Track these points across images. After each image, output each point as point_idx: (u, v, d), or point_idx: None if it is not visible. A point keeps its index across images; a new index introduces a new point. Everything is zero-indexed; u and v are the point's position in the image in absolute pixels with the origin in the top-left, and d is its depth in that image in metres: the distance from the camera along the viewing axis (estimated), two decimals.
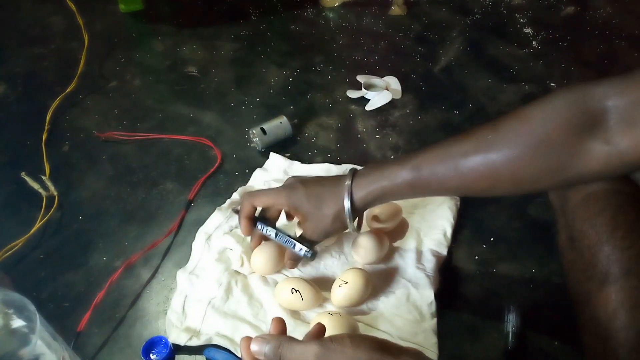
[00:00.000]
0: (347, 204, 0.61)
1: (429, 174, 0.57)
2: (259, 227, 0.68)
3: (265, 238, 0.71)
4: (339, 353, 0.40)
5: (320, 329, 0.49)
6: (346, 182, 0.61)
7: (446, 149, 0.57)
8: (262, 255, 0.71)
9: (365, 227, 0.76)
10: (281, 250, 0.71)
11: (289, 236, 0.67)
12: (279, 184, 0.84)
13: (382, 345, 0.40)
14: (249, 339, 0.45)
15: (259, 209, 0.69)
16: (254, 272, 0.74)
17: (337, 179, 0.64)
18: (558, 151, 0.50)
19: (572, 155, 0.50)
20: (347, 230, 0.66)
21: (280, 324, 0.49)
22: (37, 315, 0.49)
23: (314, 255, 0.66)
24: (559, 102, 0.51)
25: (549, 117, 0.50)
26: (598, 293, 0.56)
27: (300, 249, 0.66)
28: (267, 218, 0.69)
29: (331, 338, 0.41)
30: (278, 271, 0.73)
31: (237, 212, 0.70)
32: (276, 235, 0.67)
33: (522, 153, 0.52)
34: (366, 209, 0.64)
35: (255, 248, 0.72)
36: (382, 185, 0.59)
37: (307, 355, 0.41)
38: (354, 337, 0.41)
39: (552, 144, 0.50)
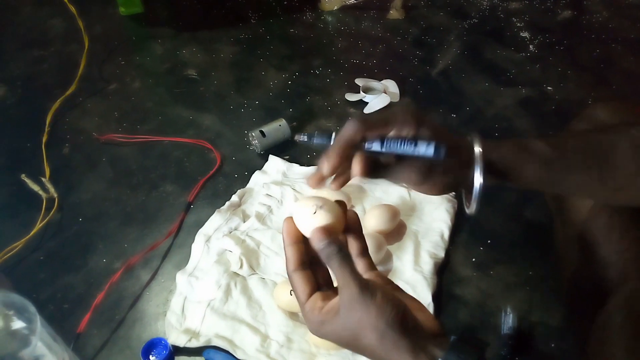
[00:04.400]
0: (477, 149, 0.45)
1: (570, 155, 0.48)
2: (368, 144, 0.44)
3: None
4: (364, 311, 0.37)
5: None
6: (477, 143, 0.46)
7: (591, 136, 0.50)
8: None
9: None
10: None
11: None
12: (278, 187, 0.86)
13: (404, 326, 0.38)
14: (291, 221, 0.42)
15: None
16: (253, 274, 0.74)
17: (464, 137, 0.48)
18: None
19: None
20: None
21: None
22: (38, 317, 0.49)
23: (446, 153, 0.43)
24: None
25: None
26: (595, 293, 0.57)
27: (426, 145, 0.43)
28: None
29: (370, 287, 0.39)
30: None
31: (322, 137, 0.46)
32: (391, 143, 0.43)
33: None
34: (495, 170, 0.48)
35: (330, 174, 0.45)
36: (518, 154, 0.47)
37: (346, 287, 0.39)
38: (383, 301, 0.38)
39: None
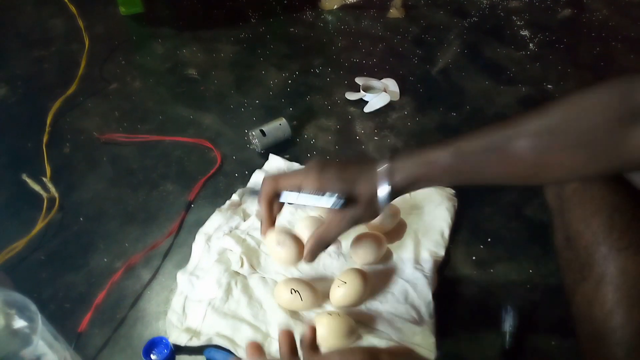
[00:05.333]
0: (385, 187, 0.55)
1: (472, 160, 0.54)
2: (283, 196, 0.57)
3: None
4: (336, 356, 0.40)
5: (312, 331, 0.49)
6: (383, 165, 0.56)
7: (489, 135, 0.54)
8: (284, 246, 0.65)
9: (363, 228, 0.77)
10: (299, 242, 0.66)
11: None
12: None
13: (372, 356, 0.40)
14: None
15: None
16: (253, 273, 0.74)
17: (369, 162, 0.58)
18: (604, 140, 0.50)
19: (617, 144, 0.49)
20: (376, 219, 0.60)
21: (257, 348, 0.49)
22: (39, 316, 0.49)
23: (345, 204, 0.55)
24: (606, 91, 0.51)
25: (595, 106, 0.50)
26: (594, 293, 0.57)
27: (329, 198, 0.54)
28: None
29: (320, 358, 0.41)
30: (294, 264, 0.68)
31: (251, 192, 0.64)
32: (299, 196, 0.56)
33: (568, 140, 0.51)
34: (402, 194, 0.58)
35: (267, 231, 0.61)
36: (421, 169, 0.55)
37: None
38: (343, 353, 0.41)
39: (599, 132, 0.50)
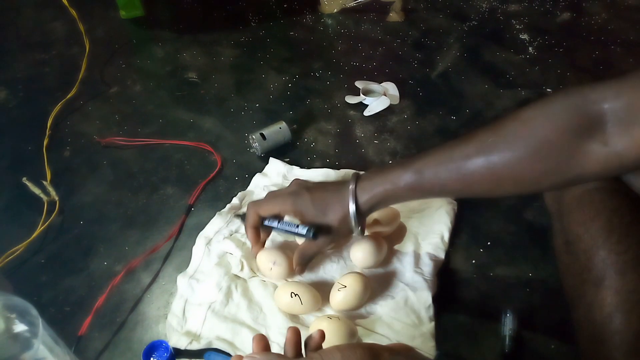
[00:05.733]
0: (352, 207, 0.62)
1: (432, 177, 0.57)
2: (265, 222, 0.69)
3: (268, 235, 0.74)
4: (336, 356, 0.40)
5: (321, 336, 0.50)
6: (350, 186, 0.62)
7: (447, 152, 0.57)
8: (266, 260, 0.73)
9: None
10: (289, 256, 0.72)
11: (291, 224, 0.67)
12: (279, 189, 0.86)
13: (373, 352, 0.41)
14: (239, 358, 0.45)
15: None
16: (253, 276, 0.74)
17: (340, 184, 0.64)
18: (557, 153, 0.51)
19: (571, 157, 0.51)
20: (353, 234, 0.67)
21: (262, 341, 0.49)
22: (40, 320, 0.49)
23: (315, 235, 0.64)
24: (557, 105, 0.52)
25: (548, 120, 0.51)
26: (594, 296, 0.57)
27: (302, 229, 0.65)
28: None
29: (321, 353, 0.42)
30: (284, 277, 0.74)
31: (239, 217, 0.72)
32: (278, 223, 0.68)
33: (522, 155, 0.52)
34: (371, 212, 0.64)
35: (257, 253, 0.73)
36: (386, 188, 0.60)
37: None
38: (344, 350, 0.41)
39: (552, 146, 0.51)
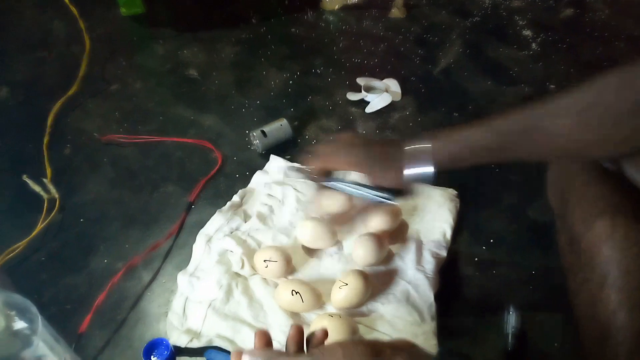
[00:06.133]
0: (429, 169, 0.58)
1: (512, 139, 0.55)
2: (332, 184, 0.63)
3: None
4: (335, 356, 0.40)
5: (324, 334, 0.49)
6: (425, 145, 0.58)
7: (526, 113, 0.55)
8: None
9: (365, 229, 0.77)
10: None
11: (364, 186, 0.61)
12: (280, 186, 0.86)
13: (375, 349, 0.40)
14: (239, 354, 0.45)
15: None
16: (254, 274, 0.74)
17: (412, 142, 0.60)
18: (625, 122, 0.51)
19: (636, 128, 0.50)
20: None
21: (265, 336, 0.48)
22: (39, 317, 0.49)
23: (392, 197, 0.60)
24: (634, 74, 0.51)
25: (626, 87, 0.51)
26: (597, 294, 0.57)
27: (382, 195, 0.60)
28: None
29: (322, 350, 0.41)
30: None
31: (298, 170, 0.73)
32: (352, 187, 0.62)
33: (604, 117, 0.51)
34: (443, 169, 0.59)
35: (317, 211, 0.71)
36: (462, 149, 0.57)
37: None
38: (346, 346, 0.40)
39: (630, 112, 0.51)
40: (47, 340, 0.51)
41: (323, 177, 0.63)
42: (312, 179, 0.64)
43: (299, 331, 0.48)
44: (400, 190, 0.60)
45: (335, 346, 0.41)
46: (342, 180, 0.62)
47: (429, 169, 0.58)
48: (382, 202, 0.60)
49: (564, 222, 0.64)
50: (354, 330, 0.65)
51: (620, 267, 0.55)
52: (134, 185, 0.90)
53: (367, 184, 0.61)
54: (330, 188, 0.63)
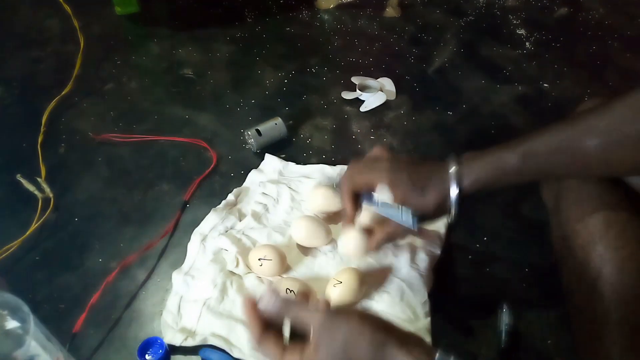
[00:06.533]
0: (453, 191, 0.58)
1: (542, 161, 0.55)
2: (365, 200, 0.64)
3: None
4: (344, 324, 0.39)
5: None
6: (452, 169, 0.58)
7: (556, 134, 0.55)
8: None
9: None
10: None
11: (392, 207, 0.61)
12: (275, 186, 0.86)
13: (387, 327, 0.40)
14: (253, 300, 0.45)
15: None
16: (249, 273, 0.74)
17: (440, 164, 0.60)
18: None
19: None
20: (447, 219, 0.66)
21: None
22: (31, 317, 0.49)
23: (419, 224, 0.60)
24: None
25: None
26: (591, 291, 0.57)
27: (407, 217, 0.59)
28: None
29: (339, 310, 0.41)
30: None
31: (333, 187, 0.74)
32: (379, 205, 0.62)
33: (623, 138, 0.51)
34: (471, 193, 0.59)
35: (351, 224, 0.68)
36: (491, 172, 0.57)
37: (312, 320, 0.41)
38: (362, 314, 0.40)
39: None
40: (40, 339, 0.51)
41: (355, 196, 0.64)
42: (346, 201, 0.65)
43: (307, 295, 0.48)
44: (424, 215, 0.60)
45: (352, 310, 0.41)
46: (372, 199, 0.63)
47: (453, 192, 0.58)
48: (403, 224, 0.60)
49: (558, 220, 0.64)
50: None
51: (614, 265, 0.55)
52: (128, 184, 0.90)
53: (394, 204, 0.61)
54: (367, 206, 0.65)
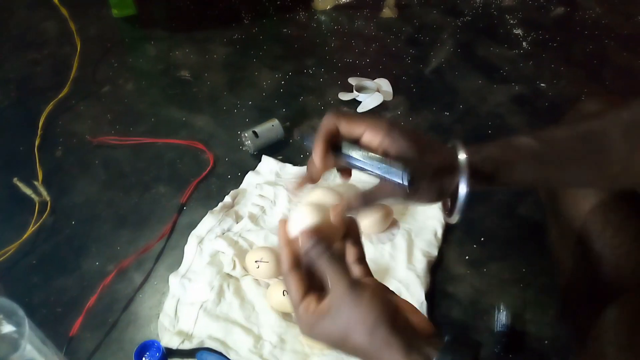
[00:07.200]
0: (461, 155, 0.44)
1: (561, 147, 0.47)
2: (344, 148, 0.45)
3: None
4: (353, 307, 0.38)
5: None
6: (457, 143, 0.46)
7: (577, 124, 0.49)
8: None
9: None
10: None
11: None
12: (272, 187, 0.86)
13: (394, 323, 0.38)
14: (285, 223, 0.43)
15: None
16: (246, 275, 0.74)
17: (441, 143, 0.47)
18: None
19: None
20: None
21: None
22: (26, 320, 0.49)
23: (410, 184, 0.43)
24: None
25: None
26: (588, 291, 0.57)
27: (395, 172, 0.43)
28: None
29: (360, 285, 0.39)
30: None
31: (307, 137, 0.48)
32: (361, 152, 0.45)
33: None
34: (480, 173, 0.46)
35: (317, 180, 0.48)
36: (503, 152, 0.46)
37: (337, 287, 0.39)
38: (373, 298, 0.38)
39: None
40: (35, 343, 0.50)
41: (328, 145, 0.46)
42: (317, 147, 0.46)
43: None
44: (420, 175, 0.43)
45: (366, 290, 0.39)
46: (358, 150, 0.45)
47: (461, 156, 0.44)
48: (394, 181, 0.43)
49: (555, 219, 0.64)
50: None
51: (610, 264, 0.55)
52: (125, 187, 0.90)
53: (380, 156, 0.44)
54: (338, 160, 0.46)
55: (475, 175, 0.44)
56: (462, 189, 0.44)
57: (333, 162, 0.46)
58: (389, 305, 0.39)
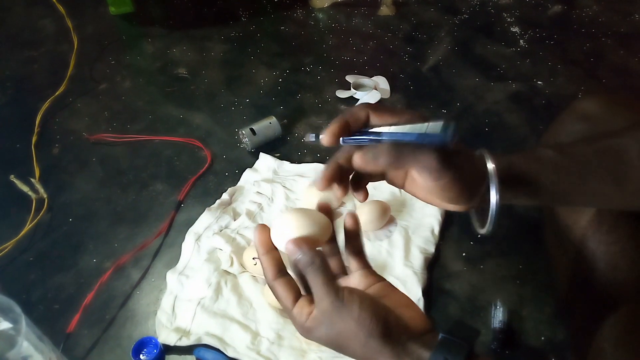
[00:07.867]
0: (490, 164, 0.42)
1: (583, 160, 0.46)
2: (356, 138, 0.42)
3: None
4: (342, 323, 0.38)
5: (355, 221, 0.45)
6: (482, 151, 0.44)
7: (597, 139, 0.48)
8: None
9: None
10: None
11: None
12: (269, 185, 0.86)
13: (385, 332, 0.38)
14: (268, 231, 0.42)
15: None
16: (243, 272, 0.74)
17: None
18: None
19: None
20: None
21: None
22: (23, 317, 0.49)
23: (453, 136, 0.37)
24: None
25: None
26: (584, 288, 0.57)
27: (437, 126, 0.37)
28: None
29: (347, 300, 0.38)
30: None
31: (317, 135, 0.45)
32: (396, 129, 0.40)
33: None
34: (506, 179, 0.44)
35: (330, 176, 0.44)
36: (523, 161, 0.45)
37: (323, 302, 0.38)
38: (362, 312, 0.38)
39: None
40: (32, 340, 0.51)
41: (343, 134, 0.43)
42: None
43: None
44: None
45: (355, 303, 0.38)
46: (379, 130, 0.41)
47: (490, 164, 0.42)
48: (433, 142, 0.38)
49: (551, 217, 0.64)
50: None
51: (605, 262, 0.56)
52: (122, 184, 0.90)
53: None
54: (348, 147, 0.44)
55: (502, 184, 0.42)
56: (493, 198, 0.42)
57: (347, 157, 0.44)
58: (378, 316, 0.38)
